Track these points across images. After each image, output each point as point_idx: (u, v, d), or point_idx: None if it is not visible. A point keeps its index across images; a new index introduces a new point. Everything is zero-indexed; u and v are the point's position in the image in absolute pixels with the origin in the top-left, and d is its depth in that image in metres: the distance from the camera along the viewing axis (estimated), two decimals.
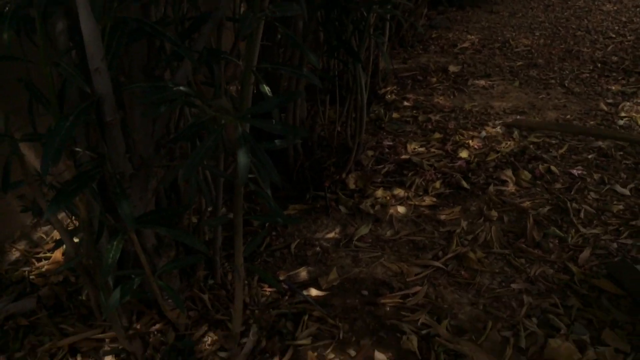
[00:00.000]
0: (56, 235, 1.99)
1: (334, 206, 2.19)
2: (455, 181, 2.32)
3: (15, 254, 1.89)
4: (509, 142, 2.65)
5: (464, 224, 2.07)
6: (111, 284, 1.35)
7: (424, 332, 1.60)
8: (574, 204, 2.15)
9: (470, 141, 2.66)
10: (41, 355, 1.49)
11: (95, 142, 1.21)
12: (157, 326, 1.49)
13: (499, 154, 2.54)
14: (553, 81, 3.43)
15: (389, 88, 3.31)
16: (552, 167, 2.40)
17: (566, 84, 3.35)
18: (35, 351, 1.50)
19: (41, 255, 1.90)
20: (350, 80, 2.21)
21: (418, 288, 1.77)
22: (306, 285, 1.80)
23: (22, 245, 1.93)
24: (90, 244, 1.34)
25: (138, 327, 1.49)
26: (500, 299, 1.72)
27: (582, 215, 2.09)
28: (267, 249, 1.98)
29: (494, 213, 2.12)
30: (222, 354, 1.48)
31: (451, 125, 2.83)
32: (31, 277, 1.78)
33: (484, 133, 2.76)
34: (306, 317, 1.65)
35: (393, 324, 1.63)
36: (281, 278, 1.82)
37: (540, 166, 2.41)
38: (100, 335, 1.51)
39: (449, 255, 1.90)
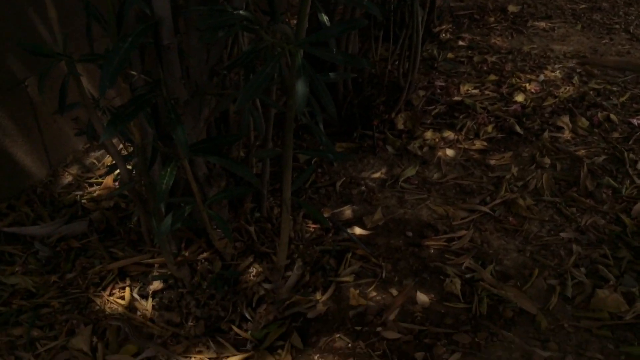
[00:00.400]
0: (108, 161, 2.03)
1: (381, 146, 2.16)
2: (508, 125, 2.25)
3: (67, 178, 1.94)
4: (568, 88, 2.53)
5: (514, 169, 2.01)
6: (163, 210, 1.37)
7: (467, 276, 1.59)
8: (631, 155, 2.06)
9: (527, 85, 2.55)
10: (91, 277, 1.55)
11: (151, 67, 1.20)
12: (205, 255, 1.52)
13: (557, 100, 2.44)
14: (617, 26, 3.23)
15: (444, 26, 3.18)
16: (612, 115, 2.29)
17: (631, 30, 3.16)
18: (86, 273, 1.56)
19: (93, 180, 1.95)
20: (407, 15, 2.12)
21: (464, 232, 1.74)
22: (350, 223, 1.79)
23: (74, 169, 1.97)
24: (143, 170, 1.35)
25: (186, 254, 1.52)
26: (548, 247, 1.69)
27: (638, 166, 2.01)
28: (312, 186, 1.97)
29: (547, 160, 2.05)
30: (267, 286, 1.50)
31: (508, 67, 2.72)
32: (83, 201, 1.83)
33: (542, 77, 2.64)
34: (349, 255, 1.66)
35: (437, 267, 1.62)
36: (326, 215, 1.82)
37: (599, 114, 2.30)
38: (150, 261, 1.55)
39: (497, 201, 1.86)
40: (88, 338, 1.39)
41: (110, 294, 1.50)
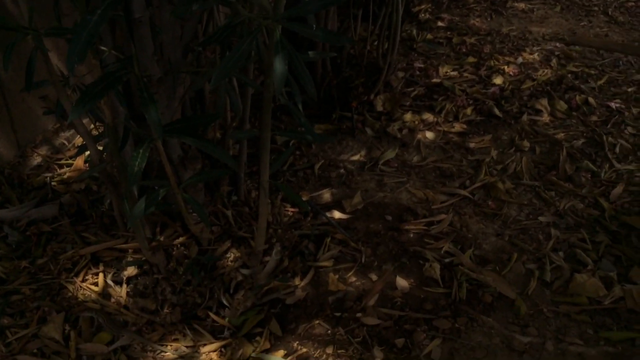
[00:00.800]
0: (78, 141, 1.96)
1: (360, 128, 2.13)
2: (487, 108, 2.23)
3: (37, 159, 1.86)
4: (546, 70, 2.52)
5: (493, 153, 2.00)
6: (136, 193, 1.32)
7: (447, 260, 1.58)
8: (610, 138, 2.07)
9: (506, 67, 2.54)
10: (63, 262, 1.49)
11: (122, 42, 1.14)
12: (181, 239, 1.48)
13: (535, 82, 2.43)
14: (596, 8, 3.23)
15: (423, 6, 3.14)
16: (590, 99, 2.29)
17: (609, 12, 3.17)
18: (58, 258, 1.51)
19: (63, 162, 1.88)
20: None
21: (443, 216, 1.73)
22: (329, 207, 1.76)
23: (43, 150, 1.90)
24: (114, 151, 1.30)
25: (161, 239, 1.47)
26: (527, 231, 1.69)
27: (617, 150, 2.02)
28: (290, 168, 1.93)
29: (526, 143, 2.05)
30: (245, 271, 1.47)
31: (486, 49, 2.70)
32: (53, 183, 1.77)
33: (520, 59, 2.63)
34: (328, 240, 1.63)
35: (416, 251, 1.61)
36: (304, 199, 1.79)
37: (578, 97, 2.30)
38: (123, 246, 1.50)
39: (477, 185, 1.85)
40: (60, 326, 1.34)
41: (83, 280, 1.45)
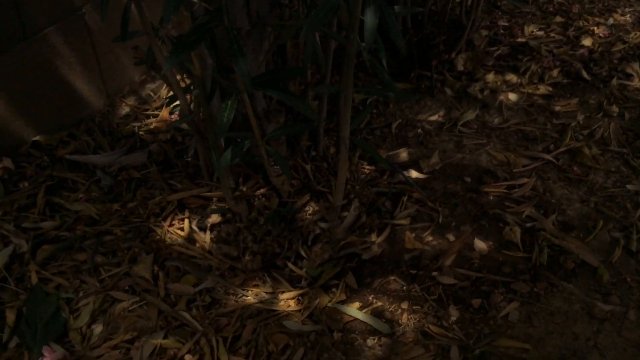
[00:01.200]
0: (164, 93, 2.03)
1: (439, 87, 2.09)
2: (574, 71, 2.13)
3: (125, 109, 1.94)
4: (638, 33, 2.37)
5: (580, 117, 1.92)
6: (222, 144, 1.36)
7: (528, 225, 1.55)
8: None
9: (595, 28, 2.40)
10: (152, 207, 1.57)
11: None
12: (262, 191, 1.52)
13: (626, 45, 2.29)
14: None
15: None
16: None
17: None
18: (147, 203, 1.58)
19: (149, 112, 1.95)
20: None
21: (525, 180, 1.69)
22: (406, 166, 1.76)
23: (131, 100, 1.97)
24: (203, 103, 1.34)
25: (244, 189, 1.52)
26: (613, 199, 1.62)
27: None
28: (367, 127, 1.93)
29: (615, 108, 1.95)
30: (323, 225, 1.50)
31: (575, 9, 2.56)
32: (140, 133, 1.84)
33: (611, 20, 2.48)
34: (405, 198, 1.63)
35: (496, 214, 1.58)
36: None
37: None
38: (208, 194, 1.56)
39: (561, 149, 1.79)
40: (150, 266, 1.42)
41: (170, 225, 1.52)
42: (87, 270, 1.42)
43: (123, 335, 1.30)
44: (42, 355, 1.24)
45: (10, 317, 1.32)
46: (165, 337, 1.29)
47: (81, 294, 1.38)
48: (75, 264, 1.43)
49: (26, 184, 1.60)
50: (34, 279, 1.39)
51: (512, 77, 2.12)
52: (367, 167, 1.74)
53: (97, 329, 1.32)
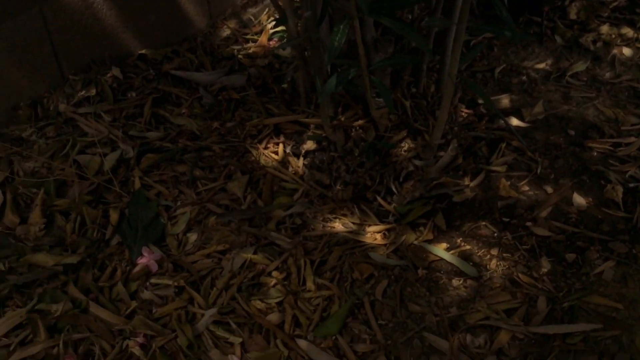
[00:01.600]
0: (264, 18, 2.03)
1: (549, 35, 1.97)
2: None
3: (226, 31, 1.96)
4: None
5: None
6: (328, 70, 1.35)
7: (631, 185, 1.47)
8: None
9: None
10: (249, 129, 1.59)
11: None
12: (360, 122, 1.51)
13: None
14: None
15: None
16: None
17: None
18: (244, 124, 1.61)
19: (249, 37, 1.96)
20: None
21: (633, 139, 1.60)
22: (507, 113, 1.69)
23: (232, 23, 1.99)
24: (312, 26, 1.33)
25: (342, 119, 1.51)
26: None
27: None
28: (468, 69, 1.86)
29: None
30: (417, 162, 1.48)
31: None
32: (239, 56, 1.86)
33: None
34: (503, 145, 1.58)
35: (598, 170, 1.51)
36: (480, 101, 1.73)
37: None
38: (305, 120, 1.57)
39: None
40: (244, 185, 1.46)
41: (265, 148, 1.55)
42: (186, 182, 1.48)
43: (216, 246, 1.35)
44: (141, 254, 1.32)
45: (114, 216, 1.40)
46: (254, 253, 1.34)
47: (179, 203, 1.44)
48: (175, 175, 1.49)
49: (134, 94, 1.66)
50: (137, 184, 1.46)
51: (628, 31, 1.98)
52: (466, 110, 1.69)
53: (192, 237, 1.38)
